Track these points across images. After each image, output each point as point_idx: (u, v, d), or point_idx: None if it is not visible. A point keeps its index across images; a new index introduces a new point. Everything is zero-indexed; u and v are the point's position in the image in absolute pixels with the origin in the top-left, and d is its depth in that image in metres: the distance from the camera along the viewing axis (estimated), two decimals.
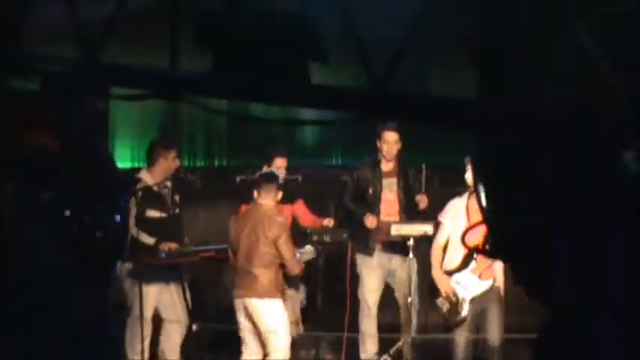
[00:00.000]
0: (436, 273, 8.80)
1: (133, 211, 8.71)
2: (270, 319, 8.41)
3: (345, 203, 9.57)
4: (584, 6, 4.35)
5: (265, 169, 9.35)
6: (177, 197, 9.18)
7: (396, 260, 9.30)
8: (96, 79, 5.38)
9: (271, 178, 8.63)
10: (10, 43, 5.40)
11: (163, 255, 8.74)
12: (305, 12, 5.01)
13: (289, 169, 9.59)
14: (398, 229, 9.22)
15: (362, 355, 9.56)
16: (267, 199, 8.55)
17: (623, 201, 4.29)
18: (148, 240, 8.81)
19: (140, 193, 8.87)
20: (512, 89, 4.50)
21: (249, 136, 11.47)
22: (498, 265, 8.45)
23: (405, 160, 9.52)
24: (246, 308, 8.41)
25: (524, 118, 4.44)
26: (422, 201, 9.30)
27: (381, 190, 9.45)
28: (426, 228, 9.10)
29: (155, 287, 8.80)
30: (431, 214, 9.23)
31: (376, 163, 9.52)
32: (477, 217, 8.26)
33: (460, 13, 5.03)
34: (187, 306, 8.92)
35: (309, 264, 9.16)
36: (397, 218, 9.41)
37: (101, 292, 8.29)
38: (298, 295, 9.28)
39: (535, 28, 4.45)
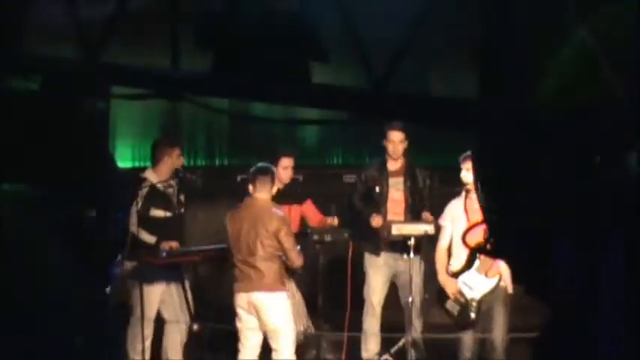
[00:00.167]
0: (442, 277, 8.80)
1: (136, 210, 8.71)
2: (276, 315, 8.39)
3: (355, 203, 9.60)
4: (584, 6, 4.35)
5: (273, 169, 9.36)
6: (182, 197, 9.19)
7: (402, 260, 9.31)
8: (96, 79, 5.38)
9: (265, 171, 8.61)
10: (10, 43, 5.40)
11: (164, 254, 8.74)
12: (305, 12, 5.01)
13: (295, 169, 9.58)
14: (399, 229, 9.22)
15: (363, 354, 9.56)
16: (262, 193, 8.53)
17: (623, 201, 4.29)
18: (149, 239, 8.81)
19: (145, 192, 8.88)
20: (512, 89, 4.50)
21: (250, 135, 11.47)
22: (503, 263, 8.43)
23: (412, 160, 9.54)
24: (249, 302, 8.38)
25: (524, 118, 4.44)
26: (426, 219, 9.30)
27: (387, 190, 9.48)
28: (427, 227, 9.10)
29: (157, 287, 8.80)
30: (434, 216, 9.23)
31: (383, 163, 9.55)
32: (476, 216, 8.28)
33: (460, 13, 5.03)
34: (188, 306, 8.92)
35: (310, 263, 9.14)
36: (402, 218, 9.43)
37: (101, 292, 8.31)
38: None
39: (535, 28, 4.45)
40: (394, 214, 9.47)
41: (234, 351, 8.60)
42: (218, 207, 10.03)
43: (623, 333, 4.31)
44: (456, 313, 8.66)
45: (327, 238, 9.21)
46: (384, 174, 9.50)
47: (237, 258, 8.44)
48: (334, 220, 9.48)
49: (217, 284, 9.76)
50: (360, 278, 9.49)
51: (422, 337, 9.35)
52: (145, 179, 8.97)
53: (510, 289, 8.56)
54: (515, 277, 7.64)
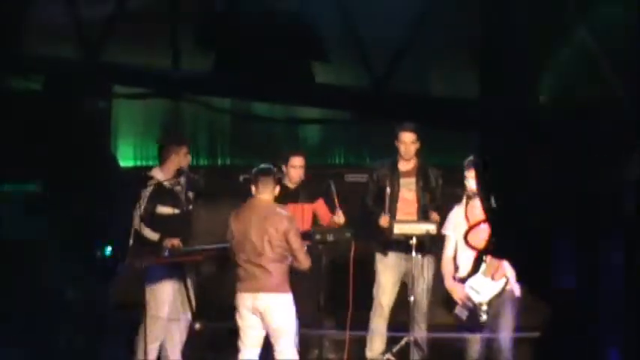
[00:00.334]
0: (448, 283, 8.80)
1: (141, 207, 8.72)
2: (281, 316, 8.37)
3: (366, 203, 9.61)
4: (584, 6, 4.35)
5: (284, 169, 9.36)
6: (190, 194, 9.20)
7: (412, 260, 9.31)
8: (97, 78, 5.38)
9: (267, 172, 8.60)
10: (10, 43, 5.40)
11: (166, 253, 8.73)
12: (305, 12, 5.01)
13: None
14: (400, 229, 9.22)
15: (368, 353, 9.55)
16: (265, 194, 8.51)
17: (623, 201, 4.29)
18: (152, 236, 8.81)
19: (151, 190, 8.88)
20: (512, 89, 4.50)
21: (252, 135, 11.46)
22: (510, 266, 8.40)
23: (424, 161, 9.54)
24: (255, 303, 8.37)
25: (524, 118, 4.44)
26: (432, 218, 9.30)
27: (398, 190, 9.49)
28: (429, 227, 9.09)
29: (167, 285, 8.81)
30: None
31: (394, 163, 9.55)
32: (474, 218, 8.26)
33: (460, 13, 5.03)
34: (190, 304, 8.91)
35: (313, 263, 9.14)
36: (415, 218, 9.44)
37: (101, 292, 8.31)
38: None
39: (535, 28, 4.45)
40: (406, 214, 9.47)
41: (236, 350, 8.59)
42: (220, 206, 10.01)
43: (623, 333, 4.31)
44: (464, 318, 8.66)
45: (330, 237, 9.19)
46: (395, 174, 9.50)
47: (242, 258, 8.41)
48: (340, 217, 9.46)
49: (219, 283, 9.76)
50: (362, 278, 9.48)
51: (425, 337, 9.34)
52: (151, 177, 8.98)
53: (518, 292, 8.54)
54: (516, 277, 7.63)
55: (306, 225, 9.24)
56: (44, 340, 6.18)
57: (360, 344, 9.54)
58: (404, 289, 9.48)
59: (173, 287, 8.89)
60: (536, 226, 4.48)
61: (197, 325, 8.85)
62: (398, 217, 9.39)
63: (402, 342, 9.34)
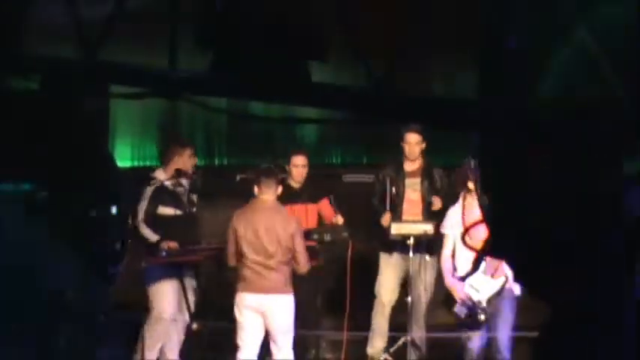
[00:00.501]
0: (448, 281, 8.80)
1: (142, 208, 8.71)
2: (283, 317, 8.37)
3: (373, 203, 9.62)
4: (584, 6, 4.35)
5: (287, 169, 9.36)
6: (194, 196, 9.18)
7: (415, 260, 9.32)
8: (95, 78, 5.38)
9: (268, 172, 8.59)
10: (10, 43, 5.40)
11: (164, 253, 8.72)
12: (305, 12, 5.01)
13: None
14: (398, 228, 9.22)
15: (368, 350, 9.56)
16: (268, 194, 8.50)
17: (623, 201, 4.30)
18: (151, 236, 8.80)
19: (152, 190, 8.87)
20: (512, 89, 4.50)
21: (249, 134, 11.46)
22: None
23: (430, 161, 9.55)
24: (258, 303, 8.35)
25: (524, 118, 4.44)
26: (436, 203, 9.32)
27: (403, 190, 9.50)
28: (426, 227, 9.09)
29: (166, 286, 8.80)
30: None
31: (400, 164, 9.56)
32: (472, 218, 8.27)
33: (460, 13, 5.03)
34: (188, 304, 8.90)
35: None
36: (420, 218, 9.45)
37: (101, 292, 8.30)
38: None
39: (535, 28, 4.46)
40: (412, 215, 9.48)
41: (235, 349, 8.58)
42: (217, 206, 10.01)
43: (622, 333, 4.32)
44: (463, 316, 8.66)
45: (327, 237, 9.19)
46: (400, 174, 9.52)
47: (250, 259, 8.39)
48: (339, 219, 9.47)
49: (217, 283, 9.75)
50: (360, 277, 9.47)
51: (423, 337, 9.35)
52: (153, 178, 8.98)
53: (517, 291, 8.55)
54: (515, 277, 7.64)
55: (311, 225, 9.24)
56: (44, 340, 6.17)
57: (358, 344, 9.54)
58: (404, 289, 9.48)
59: (173, 287, 8.89)
60: (536, 226, 4.48)
61: (194, 326, 8.84)
62: (404, 217, 9.41)
63: (400, 342, 9.34)
